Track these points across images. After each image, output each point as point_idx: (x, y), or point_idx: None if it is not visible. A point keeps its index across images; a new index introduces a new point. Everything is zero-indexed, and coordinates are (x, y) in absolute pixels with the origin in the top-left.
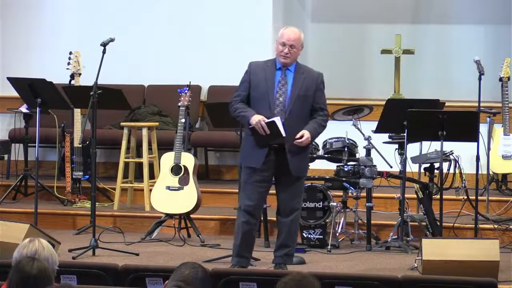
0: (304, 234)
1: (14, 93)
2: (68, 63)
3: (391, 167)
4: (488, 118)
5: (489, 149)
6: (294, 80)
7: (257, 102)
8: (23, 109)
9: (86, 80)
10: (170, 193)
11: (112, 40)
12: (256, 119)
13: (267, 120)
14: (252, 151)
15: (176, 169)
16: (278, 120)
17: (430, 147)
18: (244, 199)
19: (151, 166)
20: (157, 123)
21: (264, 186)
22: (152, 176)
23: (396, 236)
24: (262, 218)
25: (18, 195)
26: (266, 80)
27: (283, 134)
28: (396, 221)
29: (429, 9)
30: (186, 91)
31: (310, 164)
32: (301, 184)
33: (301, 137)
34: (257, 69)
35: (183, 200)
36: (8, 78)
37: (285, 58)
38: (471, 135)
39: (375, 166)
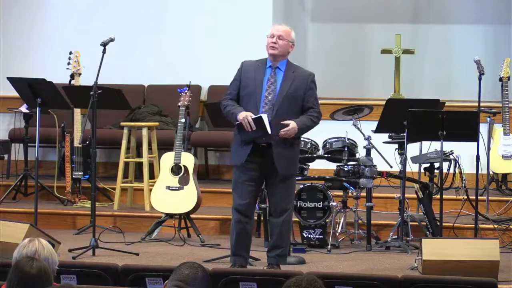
0: (304, 234)
1: (14, 93)
2: (68, 63)
3: (391, 167)
4: (488, 118)
5: (489, 149)
6: (284, 78)
7: (246, 100)
8: (23, 109)
9: (86, 80)
10: (170, 193)
11: (112, 40)
12: (243, 115)
13: (254, 116)
14: (237, 149)
15: (176, 169)
16: (264, 117)
17: (430, 147)
18: (235, 198)
19: (151, 166)
20: (157, 123)
21: (253, 185)
22: (152, 176)
23: (396, 236)
24: (262, 218)
25: (18, 195)
26: (255, 78)
27: (269, 131)
28: (396, 221)
29: (429, 9)
30: (186, 91)
31: (309, 164)
32: (291, 184)
33: (286, 126)
34: (249, 67)
35: (183, 200)
36: (8, 78)
37: (272, 49)
38: (471, 135)
39: (375, 166)
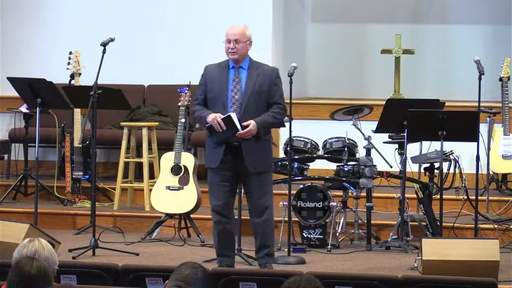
0: (304, 234)
1: (14, 93)
2: (68, 63)
3: (391, 167)
4: (488, 118)
5: (489, 149)
6: (248, 77)
7: (213, 103)
8: (23, 109)
9: (86, 80)
10: (170, 193)
11: (112, 40)
12: (212, 116)
13: (222, 116)
14: (211, 152)
15: (176, 169)
16: (233, 115)
17: (430, 147)
18: (211, 199)
19: (151, 166)
20: (157, 123)
21: (227, 186)
22: (152, 176)
23: (396, 236)
24: None
25: (18, 195)
26: (220, 80)
27: (239, 129)
28: (396, 221)
29: (429, 9)
30: (186, 91)
31: (309, 164)
32: (266, 181)
33: (247, 127)
34: (212, 70)
35: (183, 200)
36: (8, 78)
37: (232, 54)
38: (471, 135)
39: (375, 166)
